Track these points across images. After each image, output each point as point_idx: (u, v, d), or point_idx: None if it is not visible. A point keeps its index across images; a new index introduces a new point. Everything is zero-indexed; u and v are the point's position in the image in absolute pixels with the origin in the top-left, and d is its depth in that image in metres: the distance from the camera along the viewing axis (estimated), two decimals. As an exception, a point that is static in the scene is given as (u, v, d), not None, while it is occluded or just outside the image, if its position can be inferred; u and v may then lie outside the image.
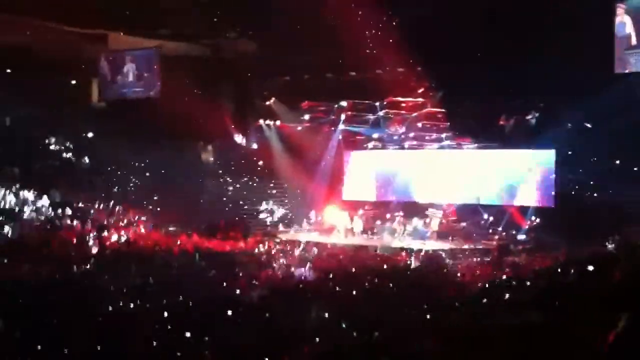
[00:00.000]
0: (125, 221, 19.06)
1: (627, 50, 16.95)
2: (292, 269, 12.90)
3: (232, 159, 23.96)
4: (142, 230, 18.58)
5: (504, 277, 11.35)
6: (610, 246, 14.00)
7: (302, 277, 11.70)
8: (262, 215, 22.97)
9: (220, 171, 23.67)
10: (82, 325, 7.39)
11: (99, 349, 6.59)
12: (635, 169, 17.17)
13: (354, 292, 9.96)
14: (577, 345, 3.33)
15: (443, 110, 21.46)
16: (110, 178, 21.35)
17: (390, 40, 18.55)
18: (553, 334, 3.97)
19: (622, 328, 4.02)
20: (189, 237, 17.72)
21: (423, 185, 21.81)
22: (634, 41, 16.86)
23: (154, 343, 6.86)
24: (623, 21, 16.91)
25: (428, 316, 7.94)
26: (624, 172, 17.58)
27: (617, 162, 18.03)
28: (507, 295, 8.98)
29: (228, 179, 23.57)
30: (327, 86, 22.54)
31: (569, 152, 18.49)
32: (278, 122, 24.22)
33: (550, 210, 19.37)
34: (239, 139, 23.99)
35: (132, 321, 8.23)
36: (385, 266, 13.58)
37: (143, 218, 19.82)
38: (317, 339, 7.21)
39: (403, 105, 22.40)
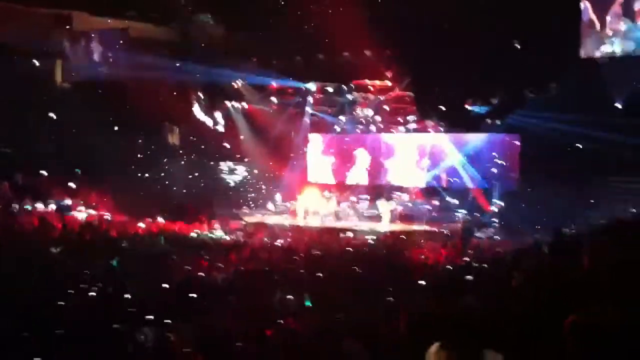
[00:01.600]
0: (88, 204, 18.78)
1: (591, 35, 17.17)
2: (257, 251, 12.84)
3: (198, 141, 23.74)
4: (107, 214, 18.31)
5: (467, 259, 11.45)
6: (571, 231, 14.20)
7: (267, 260, 11.66)
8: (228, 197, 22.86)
9: (186, 153, 23.40)
10: (45, 311, 7.29)
11: (62, 333, 6.51)
12: (600, 153, 17.43)
13: (320, 275, 9.97)
14: (540, 327, 3.37)
15: (410, 94, 21.56)
16: (73, 160, 20.96)
17: (359, 23, 18.51)
18: (518, 317, 4.02)
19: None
20: (153, 220, 17.56)
21: (389, 168, 21.99)
22: (597, 26, 17.08)
23: (117, 327, 6.80)
24: (585, 6, 17.12)
25: (392, 298, 7.98)
26: (588, 157, 17.85)
27: (581, 146, 18.29)
28: (469, 278, 9.09)
29: (194, 161, 23.32)
30: (295, 68, 22.46)
31: (534, 137, 18.68)
32: (245, 104, 24.07)
33: (514, 193, 19.61)
34: (205, 121, 23.75)
35: (96, 306, 8.13)
36: (350, 249, 13.61)
37: (106, 200, 19.55)
38: (282, 321, 7.22)
39: (371, 88, 22.47)
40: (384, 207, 20.17)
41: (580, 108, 17.02)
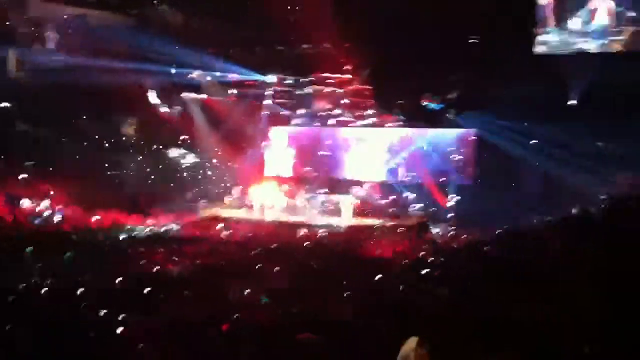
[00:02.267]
0: (40, 196, 18.33)
1: (545, 32, 17.49)
2: (214, 245, 12.76)
3: (154, 133, 23.37)
4: (60, 208, 17.89)
5: (422, 254, 11.58)
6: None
7: (224, 254, 11.60)
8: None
9: (142, 145, 23.01)
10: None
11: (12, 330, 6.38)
12: (553, 149, 17.74)
13: (276, 269, 9.95)
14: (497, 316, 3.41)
15: (368, 88, 21.62)
16: (26, 152, 20.45)
17: (319, 15, 18.49)
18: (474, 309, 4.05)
19: None
20: (107, 213, 17.26)
21: (346, 162, 22.04)
22: (552, 23, 17.38)
23: (67, 322, 6.69)
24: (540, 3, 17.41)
25: (348, 293, 8.02)
26: (541, 152, 18.16)
27: (535, 142, 18.60)
28: (425, 271, 9.20)
29: (150, 152, 22.94)
30: (254, 60, 22.30)
31: (490, 132, 18.93)
32: (203, 96, 23.80)
33: (469, 188, 19.85)
34: (162, 112, 23.38)
35: (47, 301, 7.98)
36: (306, 243, 13.62)
37: (57, 193, 19.08)
38: (238, 315, 7.19)
39: (329, 81, 22.44)
40: (342, 201, 20.22)
41: (535, 104, 17.30)
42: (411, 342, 3.15)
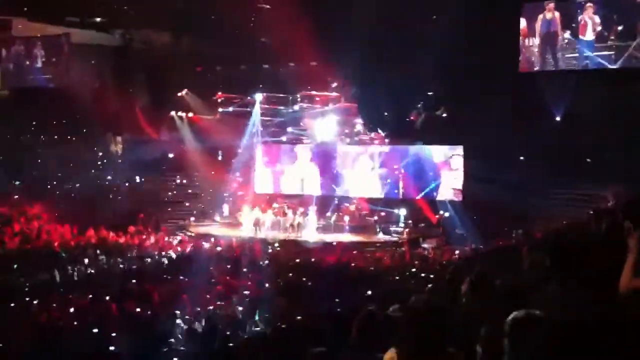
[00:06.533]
0: (28, 214, 18.20)
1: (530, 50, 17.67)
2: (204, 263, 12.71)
3: (142, 151, 23.25)
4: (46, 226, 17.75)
5: (413, 270, 11.60)
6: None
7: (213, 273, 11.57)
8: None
9: (130, 163, 22.89)
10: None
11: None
12: (538, 164, 17.86)
13: (266, 285, 9.96)
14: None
15: (355, 105, 21.73)
16: (12, 169, 20.34)
17: (304, 34, 18.58)
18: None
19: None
20: (96, 232, 17.14)
21: (336, 179, 22.00)
22: (536, 41, 17.57)
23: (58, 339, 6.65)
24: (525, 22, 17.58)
25: (340, 309, 8.00)
26: (527, 168, 18.29)
27: (522, 158, 18.74)
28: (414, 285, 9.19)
29: (138, 171, 22.82)
30: (241, 78, 22.36)
31: (476, 148, 19.03)
32: (191, 114, 23.80)
33: (458, 204, 19.94)
34: (149, 130, 23.31)
35: (38, 319, 7.93)
36: (297, 260, 13.62)
37: (44, 212, 18.94)
38: (228, 333, 7.18)
39: (317, 99, 22.52)
40: (332, 218, 20.28)
41: (520, 120, 17.45)
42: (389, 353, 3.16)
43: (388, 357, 3.15)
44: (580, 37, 16.93)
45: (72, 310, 8.12)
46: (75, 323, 7.44)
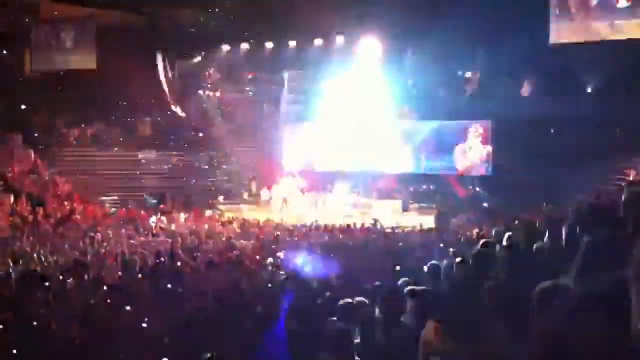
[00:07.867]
0: (61, 196, 18.47)
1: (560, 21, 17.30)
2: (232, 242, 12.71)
3: (171, 130, 23.43)
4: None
5: (442, 245, 11.50)
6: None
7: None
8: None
9: (159, 143, 23.07)
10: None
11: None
12: (569, 139, 17.60)
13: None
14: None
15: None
16: (45, 151, 20.66)
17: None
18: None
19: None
20: (127, 212, 17.36)
21: (364, 155, 21.74)
22: (567, 13, 17.20)
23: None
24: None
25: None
26: (558, 142, 18.04)
27: (552, 130, 18.49)
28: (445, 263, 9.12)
29: (167, 150, 23.00)
30: (269, 56, 22.30)
31: (507, 122, 18.80)
32: (218, 93, 23.85)
33: (487, 179, 19.77)
34: (177, 110, 23.43)
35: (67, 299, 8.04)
36: (327, 237, 13.60)
37: (78, 192, 19.23)
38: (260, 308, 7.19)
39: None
40: (360, 194, 20.24)
41: (552, 93, 17.18)
42: (429, 326, 3.16)
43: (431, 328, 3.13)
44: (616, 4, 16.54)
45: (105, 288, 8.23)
46: (109, 301, 7.54)
